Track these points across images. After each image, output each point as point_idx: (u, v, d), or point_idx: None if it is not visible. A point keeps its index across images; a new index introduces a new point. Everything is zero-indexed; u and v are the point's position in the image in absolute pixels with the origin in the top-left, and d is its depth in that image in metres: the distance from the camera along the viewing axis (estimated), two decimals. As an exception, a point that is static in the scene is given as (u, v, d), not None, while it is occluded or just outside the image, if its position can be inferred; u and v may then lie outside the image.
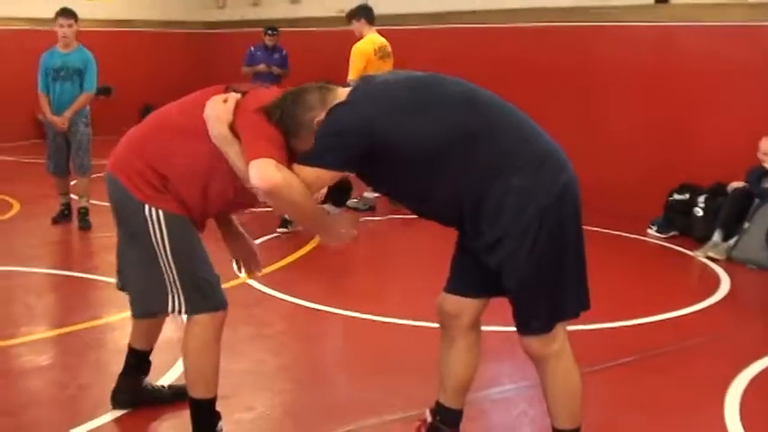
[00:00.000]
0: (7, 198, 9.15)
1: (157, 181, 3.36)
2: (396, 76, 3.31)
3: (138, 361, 4.03)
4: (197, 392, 3.56)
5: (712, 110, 8.37)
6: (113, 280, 3.81)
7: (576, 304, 3.23)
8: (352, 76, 8.08)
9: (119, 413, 3.99)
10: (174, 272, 3.41)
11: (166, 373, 4.37)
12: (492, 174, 3.04)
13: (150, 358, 4.06)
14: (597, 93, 9.44)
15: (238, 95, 3.32)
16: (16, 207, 8.85)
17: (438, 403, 3.54)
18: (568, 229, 3.11)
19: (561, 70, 9.73)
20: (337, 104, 3.12)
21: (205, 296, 3.47)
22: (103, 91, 14.68)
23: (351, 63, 8.27)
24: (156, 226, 3.36)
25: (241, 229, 3.86)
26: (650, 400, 4.35)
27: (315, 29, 13.14)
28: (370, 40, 8.44)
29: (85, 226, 7.95)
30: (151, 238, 3.37)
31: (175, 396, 4.03)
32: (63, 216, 8.20)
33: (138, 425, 3.98)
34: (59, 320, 5.58)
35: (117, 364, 4.08)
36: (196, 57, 15.75)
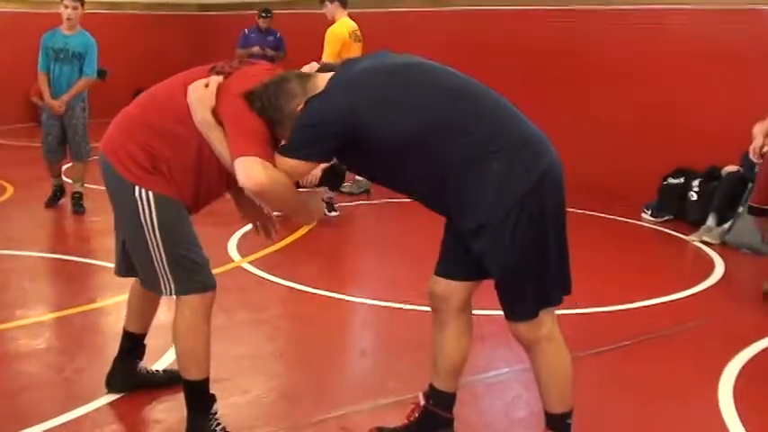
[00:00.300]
0: (1, 182, 9.13)
1: (147, 162, 3.36)
2: (376, 61, 3.26)
3: (132, 345, 4.04)
4: (189, 374, 3.57)
5: (707, 94, 8.37)
6: (109, 265, 3.81)
7: (559, 290, 3.25)
8: (327, 58, 8.07)
9: (114, 397, 4.00)
10: (162, 252, 3.42)
11: (161, 357, 4.37)
12: (472, 160, 3.04)
13: (145, 342, 4.07)
14: (591, 76, 9.44)
15: (220, 79, 3.32)
16: (10, 191, 8.83)
17: (431, 386, 3.55)
18: (550, 214, 3.10)
19: (554, 54, 9.72)
20: (316, 95, 3.12)
21: (193, 277, 3.47)
22: (99, 74, 14.70)
23: (326, 46, 8.25)
24: (146, 206, 3.37)
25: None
26: (644, 384, 4.36)
27: (310, 11, 13.09)
28: (344, 24, 8.41)
29: (79, 210, 7.92)
30: (141, 220, 3.38)
31: (170, 380, 4.03)
32: (56, 199, 8.18)
33: (134, 408, 3.98)
34: (55, 304, 5.58)
35: (113, 348, 4.08)
36: (190, 39, 15.69)
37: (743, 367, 4.55)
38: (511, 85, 10.05)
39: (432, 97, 3.11)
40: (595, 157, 9.33)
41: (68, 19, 7.92)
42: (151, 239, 3.40)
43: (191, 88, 3.31)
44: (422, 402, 3.58)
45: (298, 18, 12.92)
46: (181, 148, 3.36)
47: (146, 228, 3.38)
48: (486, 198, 3.03)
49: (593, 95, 9.44)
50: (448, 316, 3.44)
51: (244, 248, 6.58)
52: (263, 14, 11.98)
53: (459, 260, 3.35)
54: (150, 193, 3.36)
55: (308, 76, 3.21)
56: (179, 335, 3.54)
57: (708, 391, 4.25)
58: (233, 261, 6.33)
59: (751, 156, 5.87)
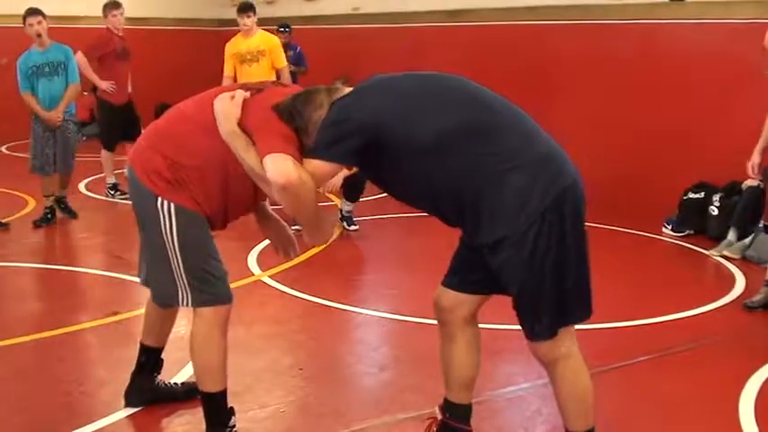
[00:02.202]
0: (22, 195, 9.18)
1: (171, 175, 3.39)
2: (402, 74, 3.29)
3: (149, 358, 4.05)
4: (206, 386, 3.58)
5: (728, 108, 8.33)
6: (128, 277, 3.83)
7: (579, 310, 3.22)
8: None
9: (132, 410, 4.01)
10: (181, 264, 3.45)
11: (181, 371, 4.38)
12: (492, 173, 3.02)
13: (162, 356, 4.07)
14: (613, 91, 9.41)
15: (246, 93, 3.35)
16: (32, 204, 8.87)
17: (446, 400, 3.54)
18: (570, 233, 3.06)
19: (576, 68, 9.71)
20: (343, 96, 3.16)
21: (209, 289, 3.50)
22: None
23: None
24: (167, 218, 3.40)
25: (275, 215, 3.89)
26: (665, 399, 4.34)
27: (329, 26, 13.15)
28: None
29: (72, 215, 8.08)
30: (161, 231, 3.41)
31: (188, 393, 4.04)
32: (47, 220, 8.02)
33: (152, 422, 3.99)
34: (74, 317, 5.59)
35: (133, 361, 4.09)
36: (210, 54, 15.71)
37: (764, 383, 4.51)
38: (535, 97, 10.10)
39: (462, 105, 3.12)
40: (616, 172, 9.30)
41: (38, 35, 7.91)
42: (171, 250, 3.43)
43: (217, 100, 3.35)
44: (439, 417, 3.57)
45: (317, 33, 12.98)
46: (206, 162, 3.38)
47: (166, 239, 3.41)
48: (507, 212, 3.01)
49: (613, 110, 9.41)
50: (454, 329, 3.42)
51: (264, 262, 6.59)
52: (282, 29, 12.05)
53: (471, 274, 3.34)
54: (172, 205, 3.39)
55: (336, 90, 3.24)
56: (195, 348, 3.56)
57: (729, 407, 4.21)
58: (253, 275, 6.34)
59: (749, 173, 5.95)
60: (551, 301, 3.12)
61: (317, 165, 3.07)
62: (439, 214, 3.24)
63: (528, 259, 3.02)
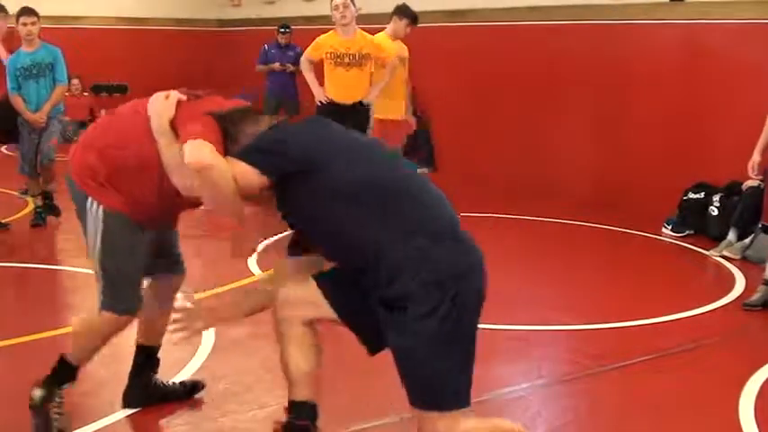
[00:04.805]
0: (24, 196, 9.17)
1: (101, 176, 3.48)
2: (341, 126, 3.37)
3: (145, 358, 4.04)
4: (70, 357, 3.73)
5: (727, 108, 8.33)
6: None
7: (455, 397, 3.07)
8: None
9: (132, 411, 4.01)
10: (98, 264, 3.56)
11: (180, 372, 4.39)
12: (400, 234, 3.00)
13: (159, 355, 4.07)
14: (612, 92, 9.42)
15: (181, 96, 3.44)
16: (32, 205, 8.84)
17: (289, 400, 3.42)
18: (465, 313, 3.00)
19: (576, 69, 9.72)
20: (285, 123, 3.28)
21: (116, 296, 3.58)
22: (119, 89, 14.81)
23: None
24: (93, 218, 3.51)
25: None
26: (664, 399, 4.33)
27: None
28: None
29: (55, 213, 7.99)
30: (91, 229, 3.52)
31: (187, 393, 4.05)
32: (41, 218, 8.00)
33: (152, 423, 3.99)
34: (68, 317, 5.59)
35: (131, 362, 4.09)
36: (210, 55, 15.76)
37: (764, 383, 4.51)
38: (534, 99, 10.12)
39: (384, 164, 3.20)
40: (616, 172, 9.31)
41: (29, 34, 7.86)
42: (92, 251, 3.55)
43: (151, 100, 3.46)
44: (284, 419, 3.44)
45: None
46: (138, 162, 3.44)
47: (92, 237, 3.53)
48: (404, 276, 2.96)
49: (613, 111, 9.42)
50: (292, 325, 3.31)
51: (263, 263, 6.59)
52: (282, 30, 12.06)
53: (346, 295, 3.25)
54: (101, 207, 3.49)
55: (280, 120, 3.34)
56: (80, 333, 3.75)
57: (728, 407, 4.21)
58: (253, 275, 6.33)
59: (749, 173, 5.96)
60: (430, 376, 3.01)
61: (241, 164, 3.09)
62: (341, 257, 3.23)
63: (418, 326, 2.94)
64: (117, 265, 3.55)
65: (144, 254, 3.64)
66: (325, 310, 3.29)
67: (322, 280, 3.30)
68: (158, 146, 3.35)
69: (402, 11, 8.75)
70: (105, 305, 3.60)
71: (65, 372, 3.76)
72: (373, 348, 3.31)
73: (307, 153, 3.09)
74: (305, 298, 3.30)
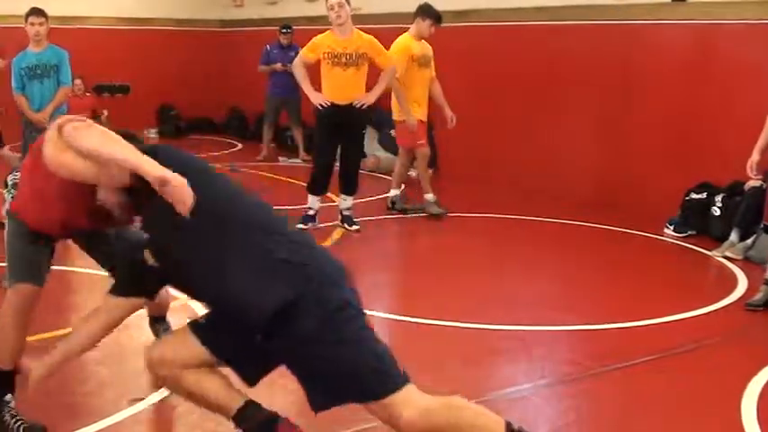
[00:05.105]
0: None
1: (22, 189, 3.80)
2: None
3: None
4: None
5: (730, 108, 8.33)
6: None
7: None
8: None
9: (136, 410, 4.02)
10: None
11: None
12: (259, 259, 3.10)
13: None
14: (615, 92, 9.42)
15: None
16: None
17: (231, 418, 3.43)
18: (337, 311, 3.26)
19: (578, 69, 9.73)
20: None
21: (14, 270, 3.79)
22: (121, 89, 14.81)
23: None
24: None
25: None
26: (667, 400, 4.33)
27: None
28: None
29: None
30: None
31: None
32: None
33: (156, 422, 4.02)
34: (75, 317, 5.59)
35: (135, 361, 4.09)
36: (213, 55, 15.76)
37: (766, 383, 4.52)
38: (536, 99, 10.12)
39: (240, 195, 3.30)
40: (618, 172, 9.31)
41: (37, 35, 7.89)
42: None
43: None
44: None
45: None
46: (43, 180, 3.53)
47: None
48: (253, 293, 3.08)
49: (615, 111, 9.42)
50: (180, 377, 3.32)
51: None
52: (284, 30, 12.07)
53: (224, 339, 3.30)
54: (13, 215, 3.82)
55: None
56: None
57: (731, 407, 4.21)
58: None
59: (748, 172, 5.96)
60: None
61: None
62: (186, 281, 3.29)
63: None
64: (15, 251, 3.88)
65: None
66: (204, 356, 3.30)
67: (196, 327, 3.33)
68: (109, 155, 3.22)
69: (425, 11, 8.75)
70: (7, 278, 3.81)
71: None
72: (253, 381, 3.43)
73: (186, 170, 3.10)
74: (179, 352, 3.31)
